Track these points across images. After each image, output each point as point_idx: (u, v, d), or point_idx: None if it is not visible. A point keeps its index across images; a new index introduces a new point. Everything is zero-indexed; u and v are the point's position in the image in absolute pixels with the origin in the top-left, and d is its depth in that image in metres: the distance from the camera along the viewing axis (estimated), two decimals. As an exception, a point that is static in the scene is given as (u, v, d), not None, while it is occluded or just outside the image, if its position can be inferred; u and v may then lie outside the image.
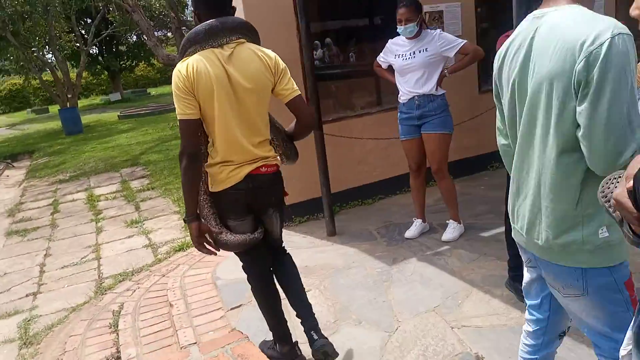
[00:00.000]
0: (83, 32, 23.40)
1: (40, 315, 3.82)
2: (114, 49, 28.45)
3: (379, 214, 4.68)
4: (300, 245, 4.10)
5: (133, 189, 7.50)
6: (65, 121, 15.06)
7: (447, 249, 3.81)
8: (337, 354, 2.36)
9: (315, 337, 2.32)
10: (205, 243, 2.16)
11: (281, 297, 2.52)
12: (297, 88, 2.17)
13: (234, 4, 2.22)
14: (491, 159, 5.40)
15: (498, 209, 3.75)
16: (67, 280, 4.47)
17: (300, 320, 2.44)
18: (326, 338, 2.37)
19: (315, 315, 2.48)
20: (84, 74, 31.23)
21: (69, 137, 14.27)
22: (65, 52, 19.21)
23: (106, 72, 29.39)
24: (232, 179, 2.09)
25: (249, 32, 2.10)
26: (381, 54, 3.96)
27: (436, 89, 3.74)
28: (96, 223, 6.09)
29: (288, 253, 2.53)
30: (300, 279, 2.50)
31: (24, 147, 13.75)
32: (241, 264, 2.46)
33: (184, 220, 2.15)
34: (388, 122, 4.55)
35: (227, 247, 2.22)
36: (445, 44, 3.71)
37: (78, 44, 19.41)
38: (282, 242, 2.50)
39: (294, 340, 2.50)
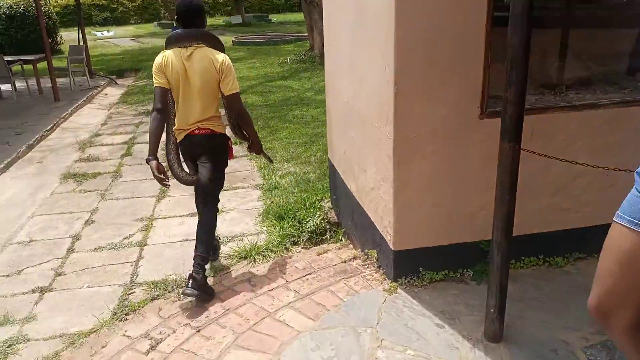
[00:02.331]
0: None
1: (28, 340, 2.63)
2: (241, -32, 27.27)
3: (578, 294, 2.52)
4: (432, 349, 2.22)
5: (219, 138, 6.22)
6: (178, 41, 14.27)
7: None
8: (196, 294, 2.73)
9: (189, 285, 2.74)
10: (159, 179, 2.89)
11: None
12: (235, 88, 2.85)
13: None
14: None
15: None
16: (91, 275, 3.27)
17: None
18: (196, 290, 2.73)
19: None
20: (210, -7, 30.85)
21: (178, 59, 13.50)
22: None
23: (231, -7, 28.51)
24: (180, 136, 2.96)
25: (205, 40, 2.84)
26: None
27: None
28: (162, 181, 4.89)
29: (208, 207, 3.07)
30: (209, 224, 3.03)
31: (134, 63, 13.24)
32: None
33: (146, 160, 2.92)
34: (631, 125, 2.60)
35: (180, 181, 3.10)
36: None
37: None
38: (210, 188, 3.03)
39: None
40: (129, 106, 8.14)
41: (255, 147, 3.20)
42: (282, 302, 2.67)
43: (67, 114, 7.59)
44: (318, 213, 3.86)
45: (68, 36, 17.64)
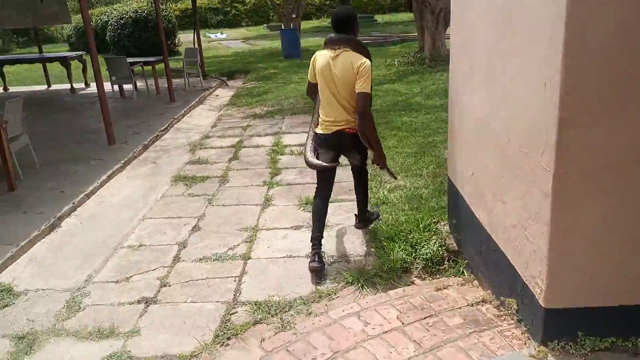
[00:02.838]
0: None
1: (130, 358, 2.55)
2: (349, -30, 27.20)
3: None
4: None
5: (324, 145, 6.01)
6: (284, 43, 14.47)
7: None
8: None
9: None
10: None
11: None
12: (365, 88, 3.06)
13: None
14: None
15: None
16: (195, 288, 3.17)
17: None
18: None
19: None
20: (318, -6, 31.20)
21: (285, 61, 13.65)
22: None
23: (338, -6, 28.58)
24: (328, 129, 3.29)
25: (351, 45, 3.14)
26: None
27: None
28: (268, 189, 4.77)
29: (364, 173, 3.67)
30: (365, 186, 3.72)
31: (244, 65, 13.61)
32: None
33: None
34: None
35: (308, 163, 3.52)
36: None
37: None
38: (363, 169, 3.61)
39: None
40: (238, 109, 8.26)
41: (378, 159, 3.39)
42: (401, 357, 2.29)
43: (180, 115, 7.86)
44: (434, 238, 3.45)
45: (185, 38, 18.72)
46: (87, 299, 3.08)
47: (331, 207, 4.26)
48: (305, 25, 22.09)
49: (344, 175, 4.98)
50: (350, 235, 3.78)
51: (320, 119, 3.35)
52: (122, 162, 5.55)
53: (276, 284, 3.17)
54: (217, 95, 10.06)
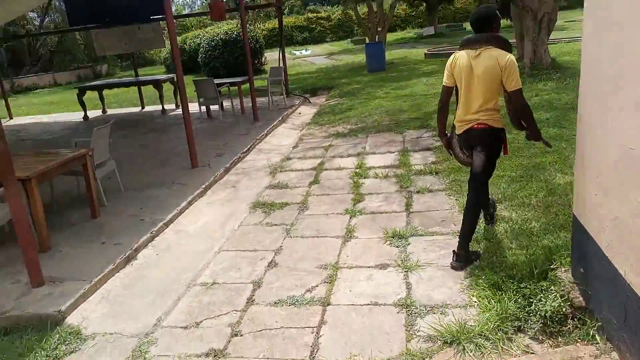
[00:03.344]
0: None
1: None
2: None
3: None
4: None
5: (412, 166, 5.48)
6: (370, 57, 14.11)
7: None
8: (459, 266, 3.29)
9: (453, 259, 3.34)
10: (446, 148, 3.63)
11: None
12: (517, 85, 3.08)
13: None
14: None
15: None
16: (268, 340, 2.80)
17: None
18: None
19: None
20: (402, 6, 30.60)
21: (369, 75, 13.27)
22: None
23: (424, 4, 27.82)
24: (460, 129, 3.38)
25: (493, 42, 3.13)
26: None
27: None
28: (350, 218, 4.34)
29: (475, 191, 3.38)
30: (473, 207, 3.38)
31: (327, 81, 13.42)
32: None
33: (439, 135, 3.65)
34: None
35: (458, 159, 3.63)
36: None
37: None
38: (480, 174, 3.33)
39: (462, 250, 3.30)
40: (320, 127, 7.97)
41: (533, 135, 3.34)
42: None
43: (262, 135, 7.73)
44: (553, 289, 2.81)
45: (271, 56, 19.05)
46: (153, 348, 2.83)
47: (421, 242, 3.76)
48: (389, 37, 21.58)
49: (436, 204, 4.44)
50: (446, 278, 3.23)
51: (455, 122, 3.45)
52: (203, 186, 5.43)
53: (360, 339, 2.72)
54: (300, 113, 9.88)
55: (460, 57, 3.22)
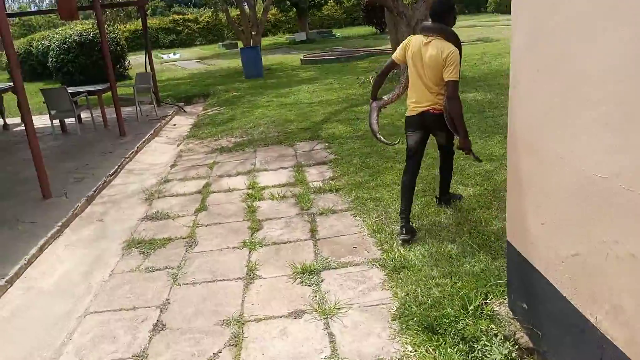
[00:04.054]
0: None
1: None
2: (305, -16, 26.55)
3: None
4: None
5: (309, 184, 5.02)
6: (246, 61, 13.49)
7: None
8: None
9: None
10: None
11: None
12: (454, 76, 3.29)
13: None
14: None
15: None
16: None
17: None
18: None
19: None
20: (272, 11, 30.39)
21: (247, 82, 12.65)
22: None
23: (294, 9, 27.90)
24: (414, 110, 3.57)
25: (443, 34, 3.35)
26: None
27: None
28: (250, 252, 3.73)
29: (451, 152, 3.87)
30: (450, 166, 3.96)
31: (202, 87, 12.50)
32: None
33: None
34: None
35: (374, 135, 3.96)
36: None
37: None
38: (447, 146, 3.80)
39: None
40: (200, 141, 7.17)
41: (463, 143, 3.51)
42: None
43: (132, 152, 6.71)
44: (495, 329, 2.51)
45: (135, 60, 17.45)
46: None
47: (336, 277, 3.28)
48: (262, 42, 21.14)
49: (343, 227, 4.02)
50: (372, 322, 2.79)
51: (407, 102, 3.64)
52: (59, 224, 4.38)
53: None
54: (175, 125, 8.93)
55: (416, 40, 3.47)
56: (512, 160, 2.43)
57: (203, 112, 9.44)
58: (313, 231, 4.00)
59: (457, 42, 3.36)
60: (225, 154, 6.37)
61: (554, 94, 1.98)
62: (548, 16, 1.97)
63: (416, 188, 4.50)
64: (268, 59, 16.38)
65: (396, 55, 3.57)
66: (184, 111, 10.14)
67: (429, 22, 3.48)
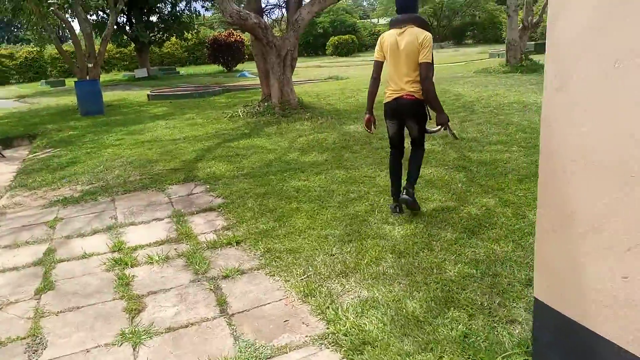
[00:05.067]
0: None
1: None
2: (144, 19, 24.82)
3: None
4: None
5: (198, 238, 3.91)
6: (83, 97, 11.57)
7: None
8: (417, 208, 3.93)
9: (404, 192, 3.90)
10: (368, 127, 4.02)
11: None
12: (427, 58, 3.59)
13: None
14: None
15: None
16: None
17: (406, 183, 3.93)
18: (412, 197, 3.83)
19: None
20: (108, 45, 27.83)
21: (85, 119, 10.77)
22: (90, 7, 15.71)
23: (133, 44, 25.84)
24: (389, 97, 3.81)
25: (415, 23, 3.70)
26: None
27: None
28: (135, 349, 2.52)
29: (421, 148, 4.00)
30: (418, 161, 3.98)
31: (26, 128, 10.25)
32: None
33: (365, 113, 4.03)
34: None
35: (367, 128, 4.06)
36: None
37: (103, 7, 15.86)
38: (419, 138, 3.94)
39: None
40: (32, 192, 5.44)
41: (440, 119, 3.77)
42: None
43: None
44: None
45: None
46: None
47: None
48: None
49: (261, 293, 3.00)
50: None
51: (385, 90, 3.85)
52: None
53: None
54: (-9, 173, 6.89)
55: (389, 35, 3.76)
56: (543, 196, 1.79)
57: (31, 156, 7.51)
58: (222, 303, 2.94)
59: (428, 28, 3.74)
60: (71, 206, 4.85)
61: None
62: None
63: (336, 230, 3.77)
64: (107, 95, 14.46)
65: (376, 55, 3.85)
66: (3, 156, 8.03)
67: (399, 16, 3.77)
